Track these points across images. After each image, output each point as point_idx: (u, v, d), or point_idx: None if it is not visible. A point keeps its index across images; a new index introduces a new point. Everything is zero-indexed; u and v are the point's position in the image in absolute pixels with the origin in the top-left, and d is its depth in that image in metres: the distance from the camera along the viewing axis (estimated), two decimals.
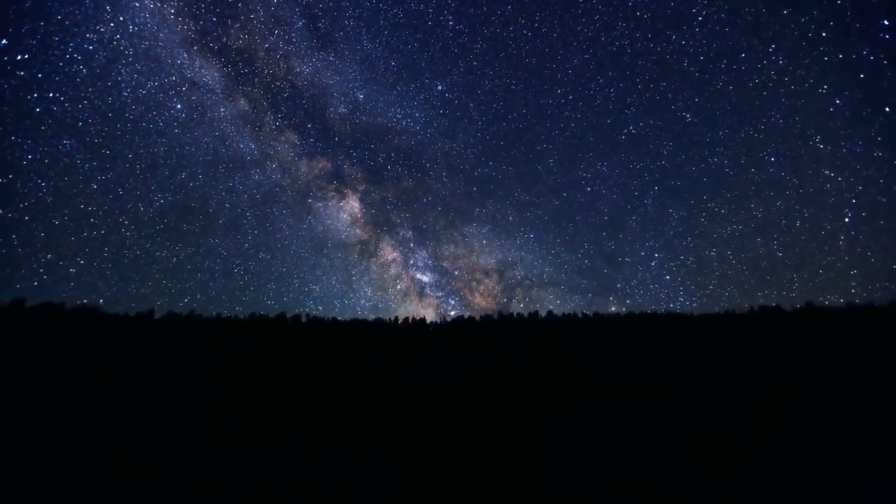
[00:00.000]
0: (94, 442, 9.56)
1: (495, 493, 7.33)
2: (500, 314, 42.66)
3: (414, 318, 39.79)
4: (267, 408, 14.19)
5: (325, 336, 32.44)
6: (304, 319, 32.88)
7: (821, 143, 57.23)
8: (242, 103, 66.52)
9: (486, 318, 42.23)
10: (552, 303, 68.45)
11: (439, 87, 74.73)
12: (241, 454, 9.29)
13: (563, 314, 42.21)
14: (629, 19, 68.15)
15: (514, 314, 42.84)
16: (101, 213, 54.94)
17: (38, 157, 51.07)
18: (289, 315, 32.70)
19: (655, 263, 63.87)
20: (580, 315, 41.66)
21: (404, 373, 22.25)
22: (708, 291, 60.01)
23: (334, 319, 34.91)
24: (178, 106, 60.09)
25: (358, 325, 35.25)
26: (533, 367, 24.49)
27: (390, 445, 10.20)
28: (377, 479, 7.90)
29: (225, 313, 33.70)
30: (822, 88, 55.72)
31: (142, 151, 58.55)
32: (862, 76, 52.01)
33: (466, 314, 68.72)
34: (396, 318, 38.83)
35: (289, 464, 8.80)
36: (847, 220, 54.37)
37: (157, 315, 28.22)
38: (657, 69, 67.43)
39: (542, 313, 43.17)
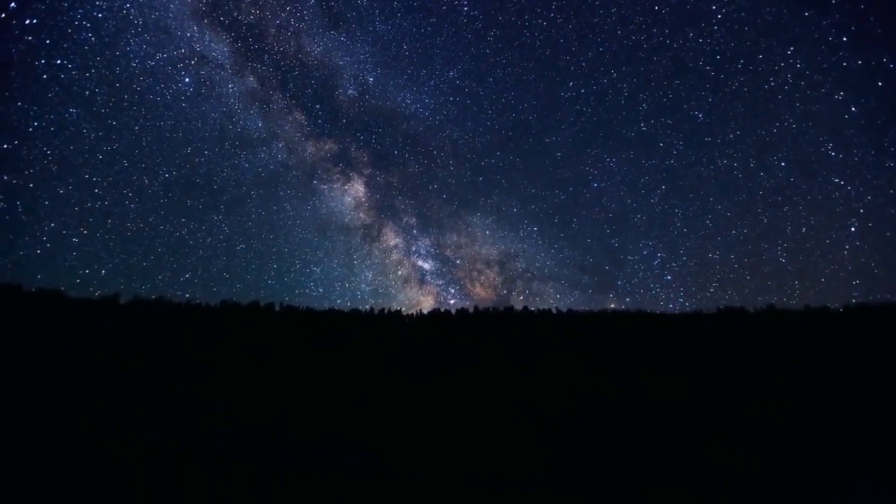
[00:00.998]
0: (55, 432, 10.03)
1: (461, 486, 7.75)
2: (476, 308, 43.45)
3: (390, 310, 40.80)
4: (238, 398, 14.87)
5: (299, 326, 33.68)
6: (277, 308, 34.02)
7: (832, 150, 55.12)
8: (251, 80, 65.95)
9: (462, 312, 43.04)
10: (552, 297, 68.60)
11: (450, 74, 72.60)
12: (213, 445, 9.76)
13: (538, 310, 42.83)
14: (646, 13, 64.88)
15: (491, 309, 43.55)
16: (105, 183, 55.82)
17: (45, 124, 51.57)
18: (262, 303, 33.87)
19: (658, 263, 63.45)
20: (554, 311, 42.25)
21: (379, 365, 23.06)
22: (708, 294, 59.67)
23: (309, 309, 36.01)
24: (187, 80, 59.51)
25: (333, 316, 36.37)
26: (506, 363, 25.09)
27: (362, 437, 10.74)
28: (346, 472, 8.35)
29: (197, 299, 34.99)
30: (839, 95, 53.12)
31: (148, 124, 58.77)
32: (880, 84, 49.51)
33: (466, 304, 69.57)
34: (371, 308, 39.91)
35: (259, 455, 9.27)
36: (853, 229, 53.06)
37: (123, 300, 29.52)
38: (672, 66, 64.65)
39: (538, 307, 43.86)
